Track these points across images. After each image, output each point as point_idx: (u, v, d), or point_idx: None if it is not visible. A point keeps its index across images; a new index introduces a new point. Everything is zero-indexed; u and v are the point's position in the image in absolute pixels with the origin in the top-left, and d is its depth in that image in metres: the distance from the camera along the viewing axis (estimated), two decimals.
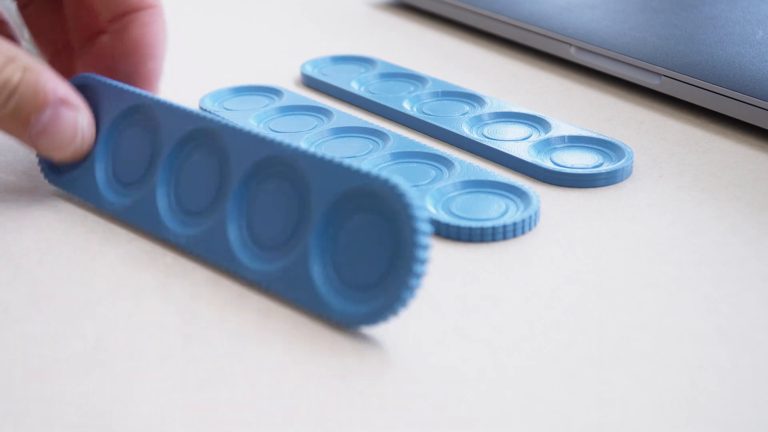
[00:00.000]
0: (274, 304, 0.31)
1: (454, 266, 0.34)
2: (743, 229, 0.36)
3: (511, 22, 0.52)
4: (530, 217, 0.35)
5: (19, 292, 0.32)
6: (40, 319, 0.31)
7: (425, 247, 0.28)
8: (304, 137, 0.41)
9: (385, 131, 0.42)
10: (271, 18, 0.59)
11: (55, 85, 0.34)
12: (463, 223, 0.35)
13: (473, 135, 0.42)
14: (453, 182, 0.37)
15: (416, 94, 0.45)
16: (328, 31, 0.57)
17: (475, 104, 0.44)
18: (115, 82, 0.36)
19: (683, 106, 0.46)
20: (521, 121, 0.43)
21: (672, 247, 0.35)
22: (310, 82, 0.48)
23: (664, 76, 0.45)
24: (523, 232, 0.35)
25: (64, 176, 0.37)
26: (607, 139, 0.41)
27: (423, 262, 0.28)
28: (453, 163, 0.39)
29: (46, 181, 0.38)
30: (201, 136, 0.34)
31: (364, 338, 0.30)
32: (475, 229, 0.35)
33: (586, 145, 0.41)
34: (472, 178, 0.38)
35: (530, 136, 0.42)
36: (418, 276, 0.28)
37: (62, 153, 0.35)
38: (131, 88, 0.36)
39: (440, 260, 0.34)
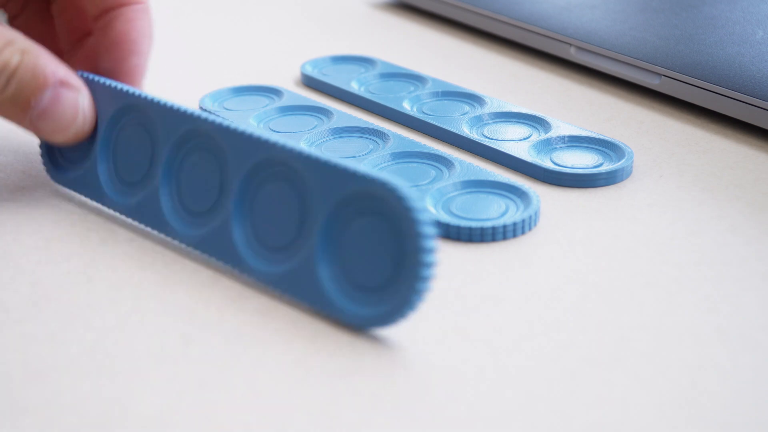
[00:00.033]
0: (273, 304, 0.31)
1: (454, 266, 0.34)
2: (743, 229, 0.36)
3: (511, 22, 0.52)
4: (530, 217, 0.35)
5: (19, 292, 0.32)
6: (40, 319, 0.31)
7: (431, 251, 0.28)
8: (304, 137, 0.41)
9: (385, 131, 0.42)
10: (271, 18, 0.59)
11: (54, 66, 0.34)
12: (463, 223, 0.35)
13: (473, 135, 0.42)
14: (453, 182, 0.37)
15: (416, 94, 0.45)
16: (328, 31, 0.57)
17: (475, 104, 0.44)
18: (110, 81, 0.36)
19: (683, 106, 0.46)
20: (521, 121, 0.43)
21: (672, 247, 0.35)
22: (310, 82, 0.48)
23: (664, 76, 0.45)
24: (523, 232, 0.35)
25: (68, 174, 0.37)
26: (607, 139, 0.41)
27: (429, 266, 0.28)
28: (453, 163, 0.39)
29: (46, 181, 0.38)
30: (198, 137, 0.34)
31: (364, 338, 0.30)
32: (475, 229, 0.35)
33: (586, 145, 0.41)
34: (472, 178, 0.38)
35: (530, 136, 0.42)
36: (426, 280, 0.29)
37: (64, 135, 0.35)
38: (127, 87, 0.36)
39: (440, 260, 0.33)
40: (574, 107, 0.46)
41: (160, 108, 0.34)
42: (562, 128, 0.42)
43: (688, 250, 0.35)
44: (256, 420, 0.27)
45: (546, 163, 0.39)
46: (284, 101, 0.45)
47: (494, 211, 0.36)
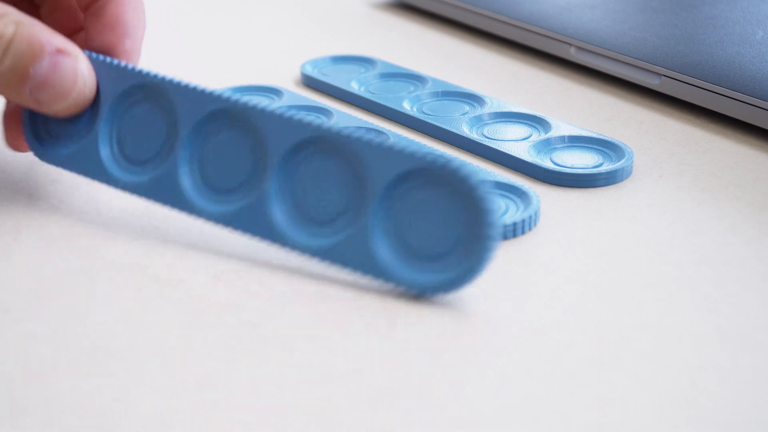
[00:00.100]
0: (273, 305, 0.31)
1: None
2: (743, 229, 0.36)
3: (511, 22, 0.52)
4: (530, 217, 0.35)
5: (19, 292, 0.32)
6: (40, 319, 0.31)
7: (495, 219, 0.30)
8: None
9: (385, 131, 0.42)
10: (271, 18, 0.59)
11: (50, 35, 0.34)
12: None
13: (473, 135, 0.42)
14: None
15: (416, 94, 0.45)
16: (328, 31, 0.57)
17: (475, 104, 0.44)
18: (116, 60, 0.36)
19: (683, 106, 0.46)
20: (521, 121, 0.43)
21: (672, 247, 0.35)
22: (310, 82, 0.48)
23: (664, 76, 0.45)
24: (523, 232, 0.35)
25: (58, 151, 0.36)
26: (607, 139, 0.41)
27: (494, 228, 0.30)
28: None
29: (46, 181, 0.38)
30: (228, 116, 0.34)
31: (364, 339, 0.30)
32: None
33: (586, 145, 0.41)
34: None
35: (530, 136, 0.42)
36: (493, 240, 0.30)
37: (64, 102, 0.35)
38: (141, 67, 0.36)
39: None
40: (574, 107, 0.46)
41: (182, 88, 0.34)
42: (562, 128, 0.42)
43: (688, 250, 0.35)
44: (256, 420, 0.27)
45: (546, 163, 0.39)
46: (284, 101, 0.45)
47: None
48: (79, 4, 0.38)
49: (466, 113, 0.44)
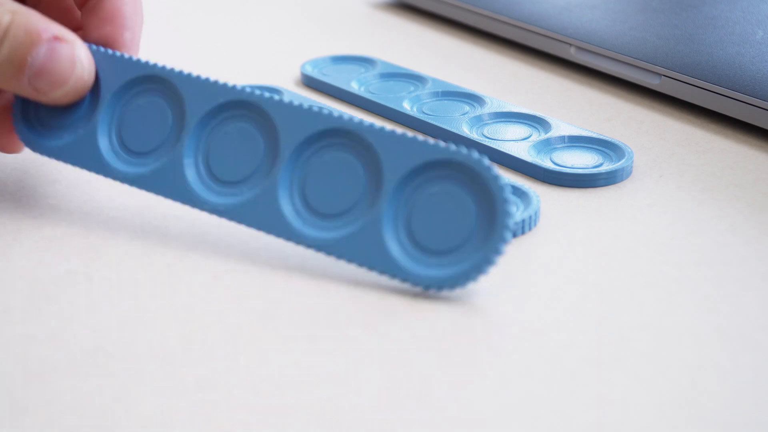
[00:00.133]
0: (273, 305, 0.31)
1: None
2: (743, 229, 0.36)
3: (511, 22, 0.52)
4: (530, 217, 0.35)
5: (19, 292, 0.32)
6: (40, 319, 0.31)
7: (512, 212, 0.30)
8: None
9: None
10: (271, 18, 0.59)
11: (46, 24, 0.34)
12: None
13: (473, 135, 0.42)
14: None
15: (416, 94, 0.45)
16: (328, 31, 0.57)
17: (475, 104, 0.44)
18: (118, 52, 0.36)
19: (683, 106, 0.46)
20: (521, 121, 0.43)
21: (672, 247, 0.35)
22: (310, 82, 0.48)
23: (664, 76, 0.45)
24: (523, 232, 0.35)
25: (51, 142, 0.36)
26: (607, 139, 0.41)
27: (510, 227, 0.30)
28: None
29: (46, 181, 0.38)
30: (239, 108, 0.34)
31: (364, 339, 0.30)
32: None
33: (586, 145, 0.41)
34: None
35: (530, 136, 0.42)
36: (506, 240, 0.30)
37: (63, 89, 0.35)
38: (146, 60, 0.36)
39: None
40: (574, 107, 0.46)
41: (191, 79, 0.34)
42: (562, 128, 0.42)
43: (688, 250, 0.35)
44: (256, 420, 0.27)
45: (546, 163, 0.39)
46: None
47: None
48: (75, 2, 0.38)
49: (466, 113, 0.44)
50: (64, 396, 0.27)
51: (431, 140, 0.31)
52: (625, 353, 0.29)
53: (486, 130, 0.42)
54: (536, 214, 0.36)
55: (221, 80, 0.34)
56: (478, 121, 0.43)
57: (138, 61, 0.36)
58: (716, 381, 0.28)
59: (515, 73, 0.50)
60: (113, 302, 0.32)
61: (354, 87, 0.47)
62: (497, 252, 0.30)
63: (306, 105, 0.33)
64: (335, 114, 0.33)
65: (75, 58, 0.35)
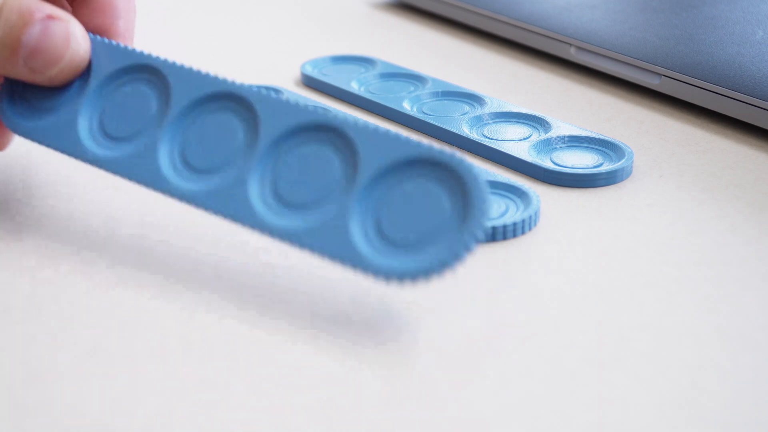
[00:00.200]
0: (273, 305, 0.31)
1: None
2: (743, 229, 0.36)
3: (511, 22, 0.52)
4: (530, 217, 0.35)
5: (19, 292, 0.32)
6: (40, 319, 0.31)
7: (488, 215, 0.29)
8: None
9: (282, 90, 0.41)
10: (271, 18, 0.59)
11: (38, 4, 0.34)
12: None
13: (473, 135, 0.42)
14: None
15: (416, 94, 0.45)
16: (328, 31, 0.57)
17: (475, 104, 0.44)
18: (112, 41, 0.36)
19: (683, 106, 0.46)
20: (521, 121, 0.43)
21: (672, 247, 0.35)
22: (310, 82, 0.48)
23: (664, 76, 0.45)
24: (523, 232, 0.35)
25: (33, 123, 0.36)
26: (607, 139, 0.41)
27: (486, 218, 0.29)
28: None
29: (46, 182, 0.38)
30: (224, 99, 0.33)
31: (364, 338, 0.30)
32: None
33: (586, 145, 0.41)
34: None
35: (530, 136, 0.42)
36: (478, 236, 0.29)
37: (58, 66, 0.34)
38: (136, 48, 0.36)
39: None
40: (574, 107, 0.46)
41: (183, 70, 0.34)
42: (562, 128, 0.42)
43: (688, 250, 0.35)
44: (256, 420, 0.27)
45: (546, 163, 0.39)
46: None
47: (494, 211, 0.36)
48: None
49: (466, 113, 0.44)
50: (64, 396, 0.27)
51: (414, 138, 0.31)
52: (625, 353, 0.29)
53: (486, 130, 0.42)
54: (536, 214, 0.36)
55: (212, 72, 0.34)
56: (478, 121, 0.43)
57: (132, 50, 0.35)
58: (716, 381, 0.28)
59: (515, 73, 0.50)
60: (113, 302, 0.32)
61: (354, 87, 0.47)
62: (467, 248, 0.29)
63: (290, 99, 0.33)
64: (320, 109, 0.32)
65: (69, 34, 0.34)
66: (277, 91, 0.46)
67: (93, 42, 0.36)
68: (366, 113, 0.45)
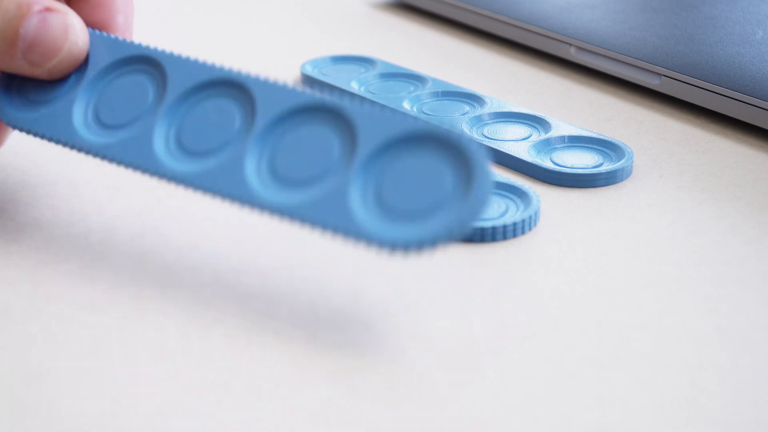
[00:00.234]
0: (274, 304, 0.31)
1: (454, 266, 0.34)
2: (743, 229, 0.36)
3: (511, 22, 0.52)
4: (530, 217, 0.35)
5: (19, 292, 0.32)
6: (40, 319, 0.31)
7: (492, 182, 0.29)
8: None
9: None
10: (271, 18, 0.59)
11: None
12: None
13: (473, 135, 0.42)
14: None
15: (416, 94, 0.45)
16: (328, 31, 0.57)
17: (475, 104, 0.44)
18: (111, 35, 0.36)
19: (683, 106, 0.46)
20: (521, 121, 0.43)
21: (672, 247, 0.35)
22: (310, 82, 0.48)
23: (664, 76, 0.45)
24: (523, 232, 0.35)
25: (27, 114, 0.35)
26: (607, 139, 0.41)
27: (487, 193, 0.28)
28: None
29: (46, 182, 0.38)
30: (220, 85, 0.33)
31: (365, 338, 0.30)
32: (475, 229, 0.35)
33: (586, 145, 0.41)
34: None
35: (530, 136, 0.42)
36: (484, 203, 0.28)
37: (57, 57, 0.34)
38: (132, 41, 0.36)
39: (440, 260, 0.34)
40: (574, 107, 0.46)
41: (181, 60, 0.34)
42: (562, 128, 0.42)
43: (688, 250, 0.35)
44: (256, 420, 0.27)
45: (546, 163, 0.39)
46: None
47: (494, 211, 0.36)
48: None
49: (466, 113, 0.44)
50: (64, 396, 0.27)
51: (413, 116, 0.30)
52: (625, 353, 0.29)
53: (486, 130, 0.42)
54: (536, 214, 0.36)
55: (210, 61, 0.34)
56: (478, 121, 0.43)
57: (130, 42, 0.35)
58: (716, 381, 0.28)
59: (515, 73, 0.50)
60: (113, 302, 0.32)
61: (354, 87, 0.47)
62: (472, 215, 0.28)
63: (286, 82, 0.32)
64: (317, 92, 0.32)
65: (68, 26, 0.34)
66: None
67: (91, 35, 0.36)
68: None
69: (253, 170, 0.31)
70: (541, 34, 0.51)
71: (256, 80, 0.33)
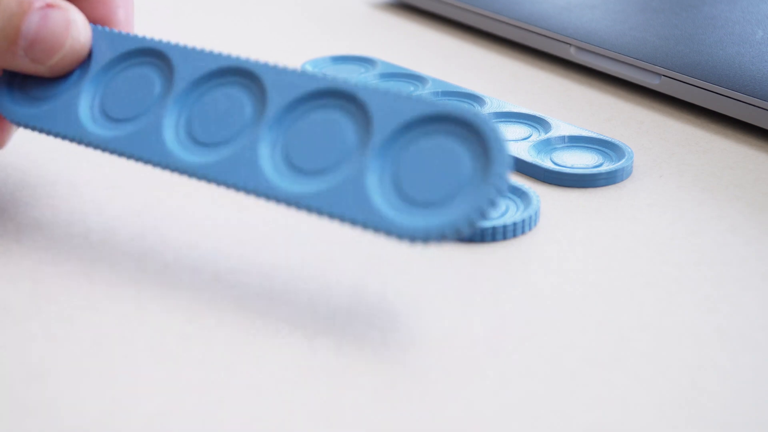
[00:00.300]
0: (273, 304, 0.31)
1: (454, 266, 0.34)
2: (743, 229, 0.36)
3: (511, 22, 0.52)
4: (530, 217, 0.35)
5: (19, 292, 0.32)
6: (40, 319, 0.31)
7: (509, 166, 0.28)
8: None
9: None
10: (271, 18, 0.59)
11: None
12: None
13: None
14: None
15: (416, 94, 0.45)
16: (328, 31, 0.57)
17: (475, 104, 0.44)
18: (114, 29, 0.36)
19: (683, 106, 0.46)
20: (521, 121, 0.43)
21: (672, 247, 0.35)
22: None
23: (664, 76, 0.45)
24: (523, 232, 0.35)
25: (31, 110, 0.35)
26: (607, 139, 0.41)
27: (507, 176, 0.28)
28: None
29: (46, 181, 0.38)
30: (229, 73, 0.33)
31: (365, 338, 0.30)
32: (476, 229, 0.35)
33: (586, 145, 0.41)
34: None
35: (530, 136, 0.42)
36: (501, 189, 0.28)
37: (59, 54, 0.34)
38: (136, 34, 0.35)
39: (440, 260, 0.34)
40: (574, 107, 0.46)
41: (187, 51, 0.34)
42: (562, 128, 0.42)
43: (688, 250, 0.35)
44: (256, 420, 0.27)
45: (546, 163, 0.39)
46: None
47: (494, 211, 0.36)
48: None
49: None
50: (64, 396, 0.27)
51: (426, 97, 0.30)
52: (625, 353, 0.29)
53: None
54: (536, 214, 0.36)
55: (216, 50, 0.34)
56: None
57: (134, 36, 0.35)
58: (716, 381, 0.28)
59: (515, 73, 0.50)
60: (113, 302, 0.32)
61: None
62: (490, 201, 0.28)
63: (297, 68, 0.32)
64: (329, 76, 0.31)
65: (70, 22, 0.34)
66: None
67: (93, 30, 0.36)
68: None
69: (267, 159, 0.31)
70: (541, 34, 0.51)
71: (266, 67, 0.33)
